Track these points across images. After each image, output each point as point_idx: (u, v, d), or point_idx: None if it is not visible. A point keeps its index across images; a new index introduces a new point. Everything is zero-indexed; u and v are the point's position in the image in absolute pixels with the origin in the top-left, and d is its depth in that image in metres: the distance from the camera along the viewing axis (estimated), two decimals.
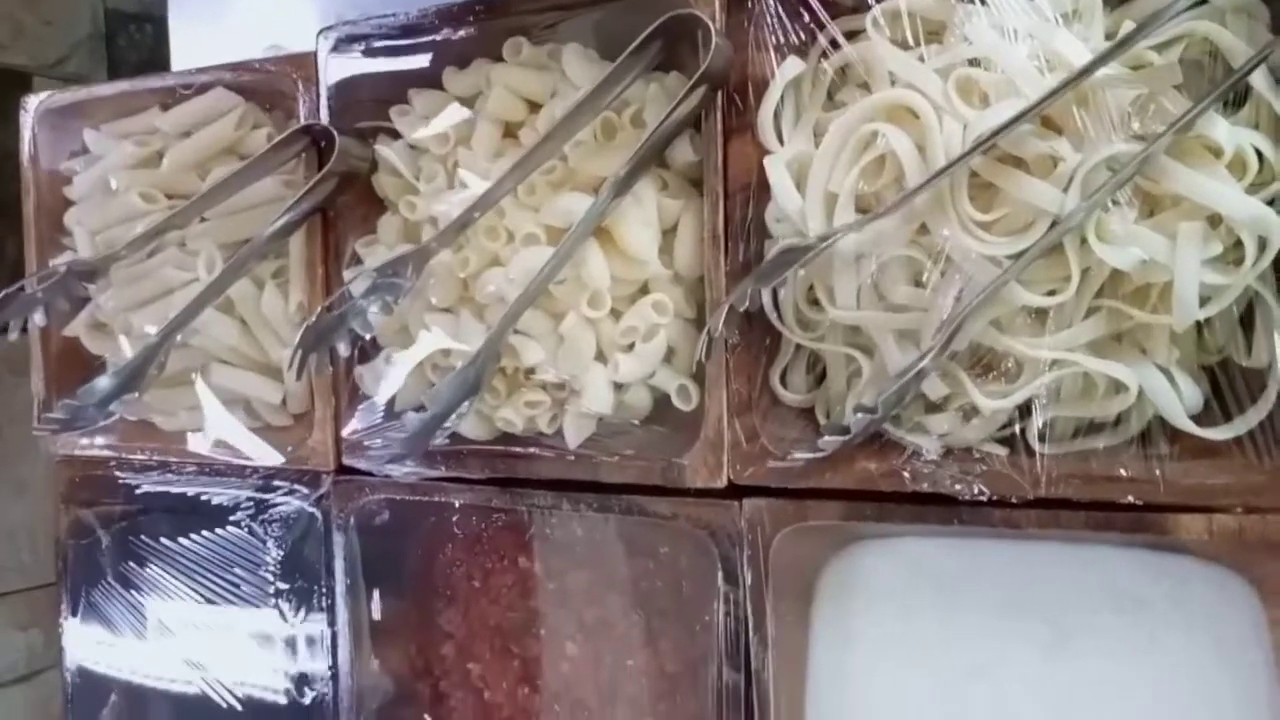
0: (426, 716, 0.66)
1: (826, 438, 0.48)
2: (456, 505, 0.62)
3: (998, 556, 0.51)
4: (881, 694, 0.53)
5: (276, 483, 0.66)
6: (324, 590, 0.65)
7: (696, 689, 0.58)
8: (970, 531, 0.51)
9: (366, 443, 0.63)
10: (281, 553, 0.67)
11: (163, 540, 0.72)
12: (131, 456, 0.71)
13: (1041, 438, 0.48)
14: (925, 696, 0.52)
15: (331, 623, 0.64)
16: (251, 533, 0.68)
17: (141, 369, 0.62)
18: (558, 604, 0.62)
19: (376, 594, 0.65)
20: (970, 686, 0.52)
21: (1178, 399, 0.46)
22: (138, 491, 0.72)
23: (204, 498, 0.70)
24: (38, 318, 0.66)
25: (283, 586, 0.67)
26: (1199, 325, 0.46)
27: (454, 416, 0.54)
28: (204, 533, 0.70)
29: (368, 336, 0.59)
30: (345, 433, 0.63)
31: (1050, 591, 0.50)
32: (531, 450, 0.58)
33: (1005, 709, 0.51)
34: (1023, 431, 0.49)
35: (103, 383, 0.62)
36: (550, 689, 0.62)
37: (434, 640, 0.66)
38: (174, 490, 0.71)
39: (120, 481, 0.72)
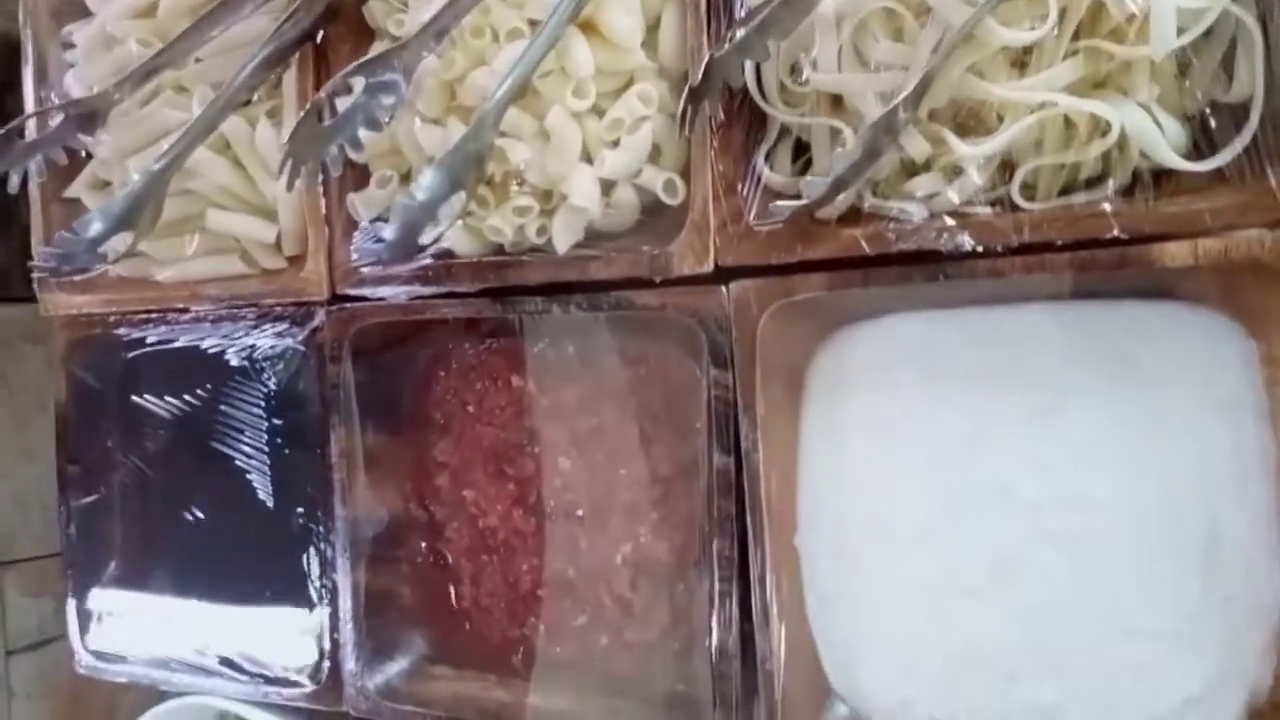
0: (422, 544, 0.66)
1: (810, 178, 0.47)
2: (449, 322, 0.62)
3: (985, 327, 0.51)
4: (872, 471, 0.53)
5: (271, 319, 0.66)
6: (318, 424, 0.65)
7: (690, 491, 0.57)
8: (956, 300, 0.51)
9: (361, 269, 0.63)
10: (277, 388, 0.67)
11: (163, 396, 0.72)
12: (128, 310, 0.71)
13: (1025, 192, 0.48)
14: (916, 471, 0.52)
15: (325, 454, 0.64)
16: (248, 373, 0.68)
17: (136, 206, 0.62)
18: (551, 420, 0.62)
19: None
20: (962, 458, 0.51)
21: (1160, 135, 0.45)
22: (135, 350, 0.73)
23: (202, 346, 0.70)
24: (35, 168, 0.67)
25: (277, 423, 0.67)
26: (1180, 68, 0.46)
27: (444, 217, 0.54)
28: (202, 380, 0.70)
29: (360, 154, 0.60)
30: (338, 261, 0.63)
31: (1039, 357, 0.50)
32: (522, 258, 0.58)
33: (998, 478, 0.50)
34: (1007, 195, 0.48)
35: (97, 220, 0.63)
36: (544, 507, 0.62)
37: (428, 472, 0.66)
38: (170, 342, 0.71)
39: (118, 338, 0.72)
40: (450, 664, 0.65)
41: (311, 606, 0.65)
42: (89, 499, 0.76)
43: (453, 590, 0.65)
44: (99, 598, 0.75)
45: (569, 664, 0.62)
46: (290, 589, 0.66)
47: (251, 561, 0.69)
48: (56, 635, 0.84)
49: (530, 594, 0.62)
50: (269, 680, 0.67)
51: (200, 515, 0.71)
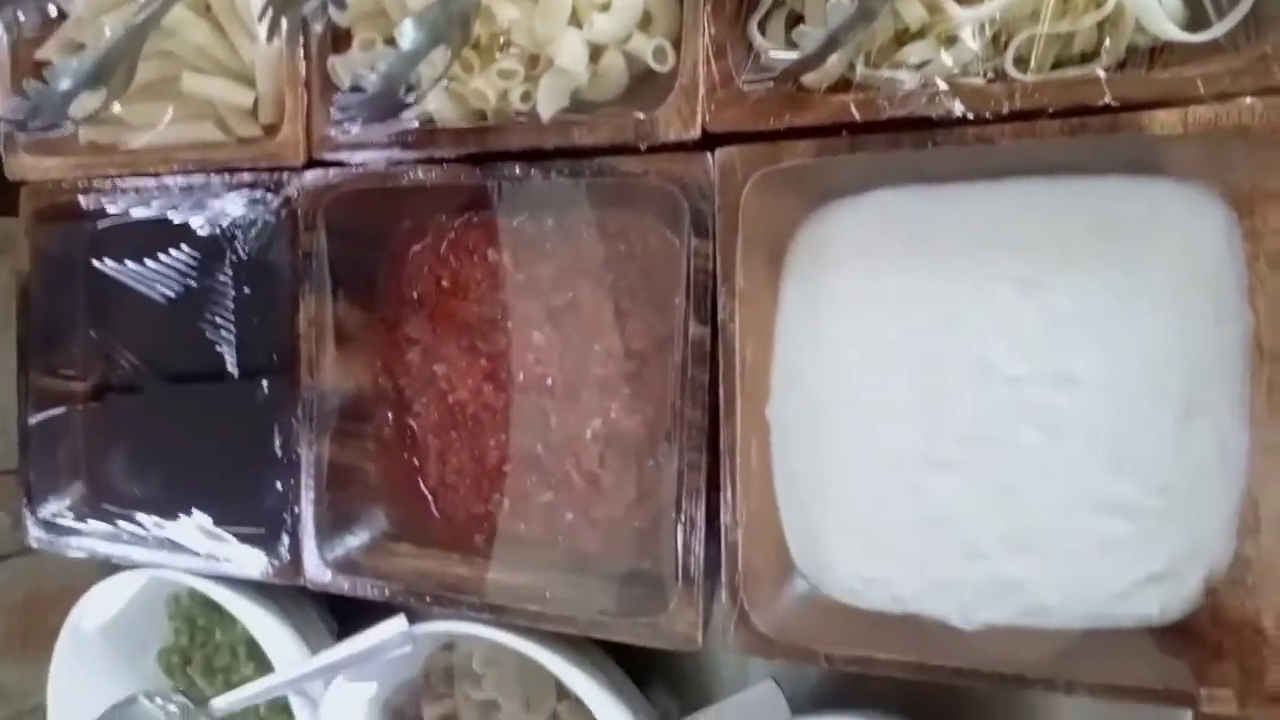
0: (389, 420, 0.65)
1: (803, 28, 0.46)
2: (426, 195, 0.61)
3: (972, 201, 0.51)
4: (850, 345, 0.53)
5: (245, 186, 0.65)
6: (288, 295, 0.63)
7: (663, 366, 0.57)
8: (943, 175, 0.51)
9: (338, 138, 0.62)
10: (248, 258, 0.66)
11: (130, 265, 0.71)
12: (96, 175, 0.70)
13: (1019, 66, 0.47)
14: (895, 345, 0.52)
15: (294, 324, 0.63)
16: (219, 242, 0.67)
17: (110, 62, 0.60)
18: (525, 295, 0.61)
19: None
20: (943, 333, 0.51)
21: (1158, 4, 0.45)
22: (102, 220, 0.71)
23: (172, 215, 0.68)
24: (2, 25, 0.65)
25: (246, 293, 0.66)
26: None
27: (427, 77, 0.53)
28: (170, 250, 0.69)
29: (342, 12, 0.58)
30: (316, 127, 0.62)
31: (1025, 231, 0.50)
32: (504, 124, 0.57)
33: (979, 353, 0.50)
34: (1001, 65, 0.48)
35: (68, 75, 0.61)
36: (515, 382, 0.61)
37: (399, 347, 0.65)
38: (140, 211, 0.69)
39: (85, 206, 0.71)
40: (412, 541, 0.64)
41: (273, 479, 0.64)
42: (50, 373, 0.74)
43: (418, 467, 0.64)
44: (55, 470, 0.73)
45: (533, 541, 0.61)
46: (252, 461, 0.65)
47: (214, 433, 0.68)
48: (12, 551, 0.81)
49: (496, 470, 0.62)
50: (226, 556, 0.66)
51: (164, 386, 0.70)
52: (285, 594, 0.70)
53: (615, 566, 0.59)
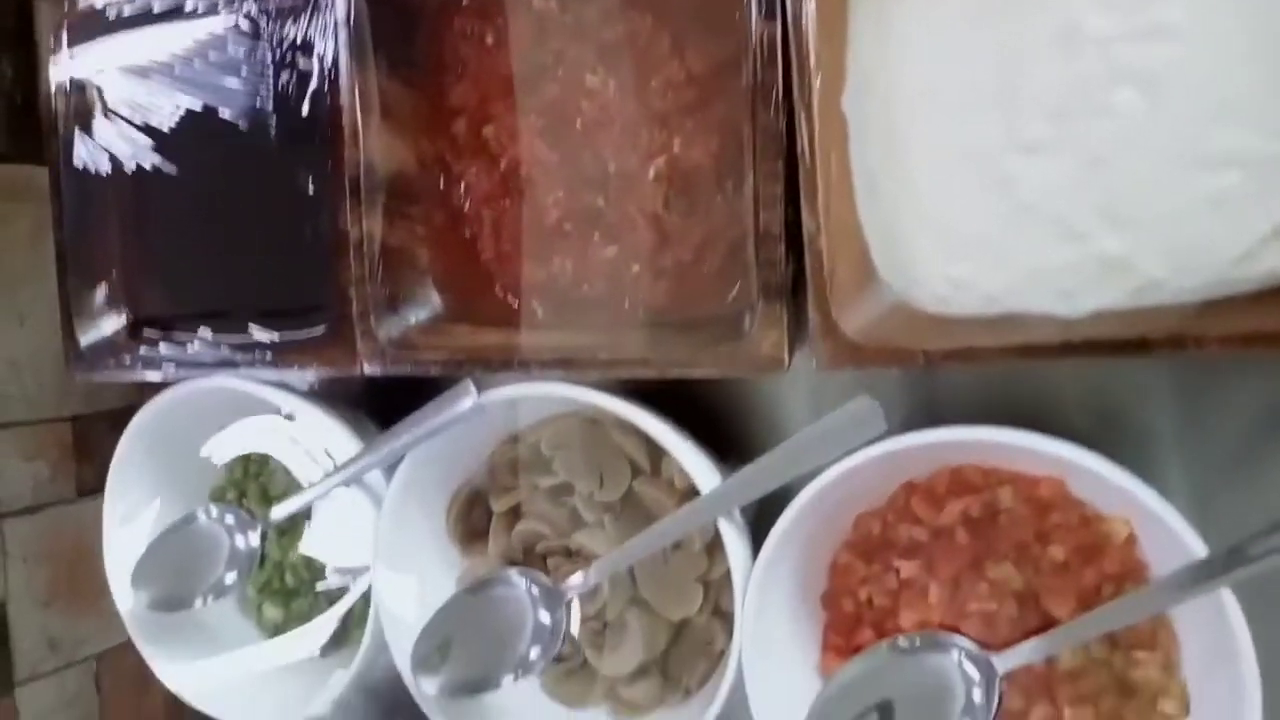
0: (440, 199, 0.62)
1: None
2: None
3: None
4: (926, 32, 0.49)
5: None
6: (329, 72, 0.60)
7: (727, 89, 0.54)
8: None
9: None
10: (284, 43, 0.63)
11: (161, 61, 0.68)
12: None
13: None
14: (972, 26, 0.48)
15: (335, 98, 0.60)
16: (254, 29, 0.64)
17: None
18: (575, 37, 0.58)
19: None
20: (1022, 5, 0.47)
21: None
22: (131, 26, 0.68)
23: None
24: None
25: (285, 78, 0.63)
26: None
27: None
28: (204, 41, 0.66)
29: None
30: None
31: None
32: None
33: (1064, 18, 0.46)
34: None
35: None
36: (570, 132, 0.58)
37: (444, 121, 0.62)
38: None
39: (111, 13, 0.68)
40: (471, 322, 0.62)
41: (322, 263, 0.61)
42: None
43: (472, 241, 0.61)
44: (94, 296, 0.71)
45: (599, 303, 0.59)
46: (299, 249, 0.63)
47: (257, 226, 0.65)
48: (53, 500, 0.80)
49: (555, 232, 0.59)
50: (279, 359, 0.63)
51: (204, 183, 0.67)
52: (341, 402, 0.67)
53: (687, 314, 0.56)
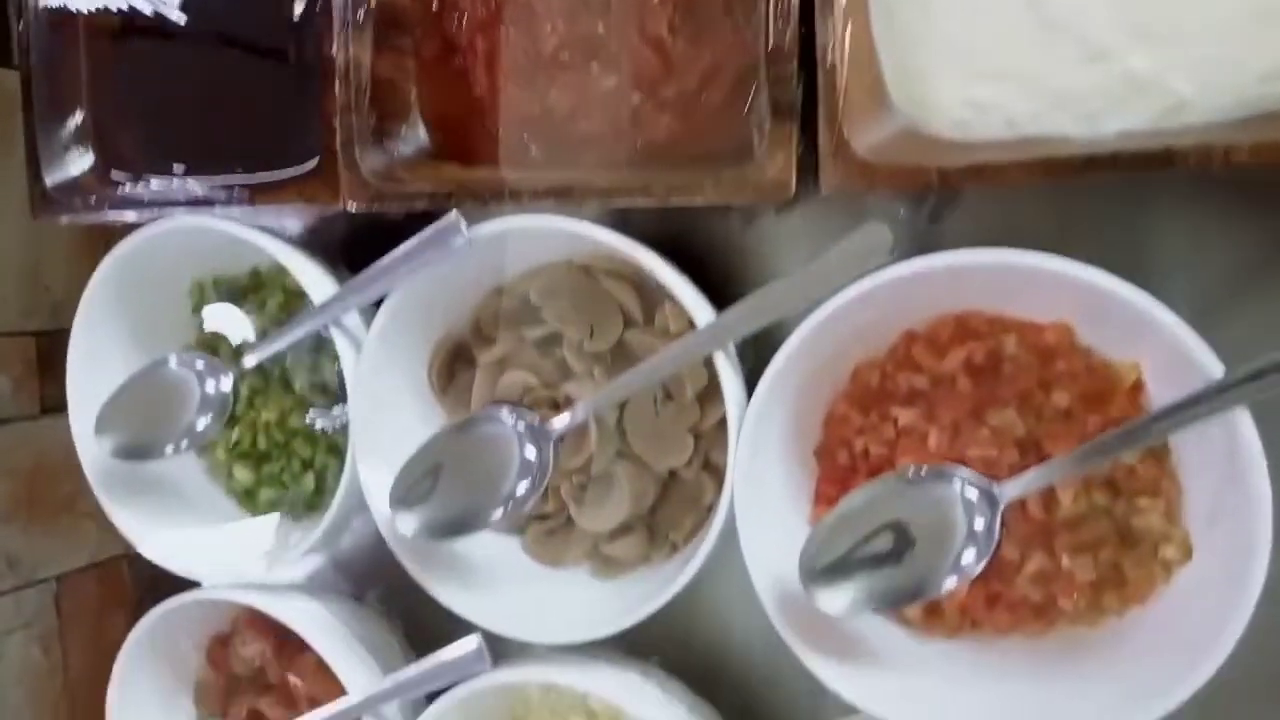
0: (432, 28, 0.59)
1: None
2: None
3: None
4: None
5: None
6: None
7: None
8: None
9: None
10: None
11: None
12: None
13: None
14: None
15: None
16: None
17: None
18: None
19: None
20: None
21: None
22: None
23: None
24: None
25: None
26: None
27: None
28: None
29: None
30: None
31: None
32: None
33: None
34: None
35: None
36: None
37: None
38: None
39: None
40: (460, 160, 0.59)
41: (305, 91, 0.58)
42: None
43: (465, 73, 0.59)
44: (64, 119, 0.67)
45: (596, 139, 0.56)
46: (283, 77, 0.60)
47: (237, 55, 0.62)
48: (14, 415, 0.76)
49: (553, 62, 0.56)
50: (256, 185, 0.60)
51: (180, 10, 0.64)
52: (320, 257, 0.65)
53: (689, 151, 0.54)
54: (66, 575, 0.80)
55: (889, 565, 0.47)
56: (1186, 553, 0.49)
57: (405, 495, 0.55)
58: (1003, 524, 0.47)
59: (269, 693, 0.71)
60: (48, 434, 0.76)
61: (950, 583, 0.46)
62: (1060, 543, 0.51)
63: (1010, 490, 0.47)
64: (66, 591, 0.80)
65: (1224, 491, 0.47)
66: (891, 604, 0.47)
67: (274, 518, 0.71)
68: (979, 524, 0.46)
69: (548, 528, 0.63)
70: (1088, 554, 0.51)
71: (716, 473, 0.58)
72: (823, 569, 0.47)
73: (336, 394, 0.67)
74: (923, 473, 0.48)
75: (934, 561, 0.46)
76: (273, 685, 0.71)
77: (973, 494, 0.46)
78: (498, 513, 0.53)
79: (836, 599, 0.47)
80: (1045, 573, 0.51)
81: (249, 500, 0.72)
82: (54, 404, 0.77)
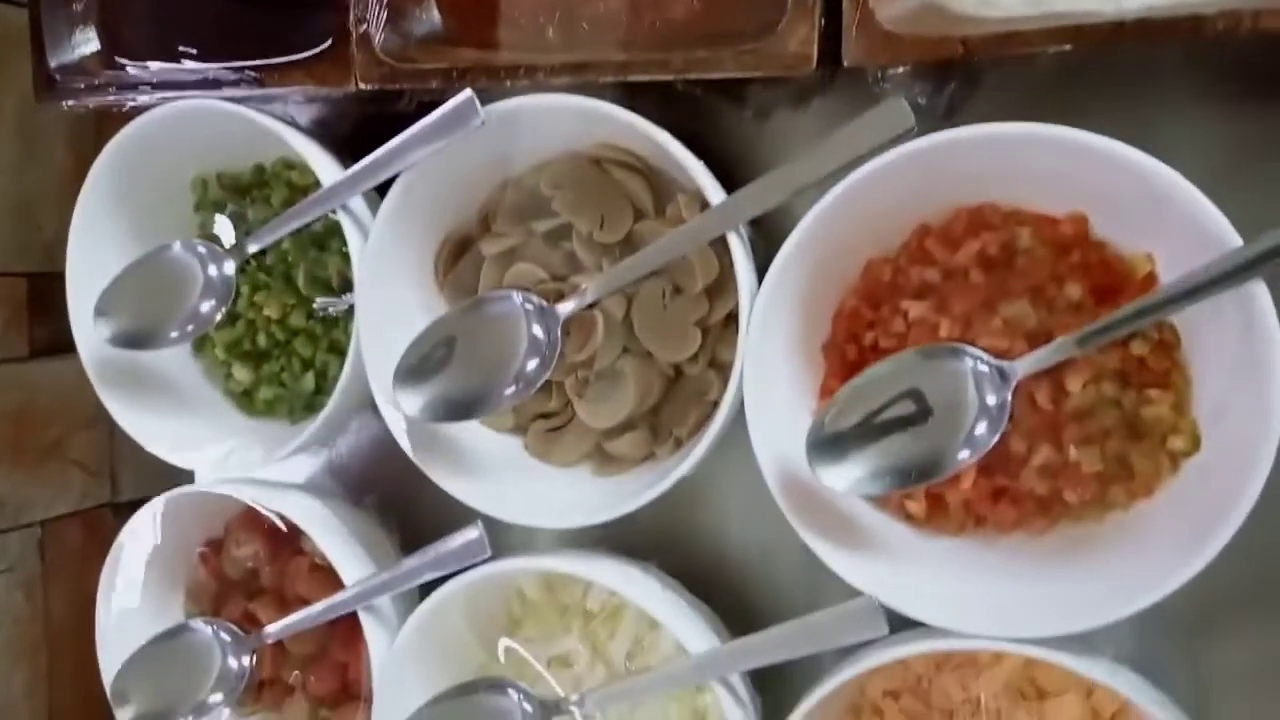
0: None
1: None
2: None
3: None
4: None
5: None
6: None
7: None
8: None
9: None
10: None
11: None
12: None
13: None
14: None
15: None
16: None
17: None
18: None
19: None
20: None
21: None
22: None
23: None
24: None
25: None
26: None
27: None
28: None
29: None
30: None
31: None
32: None
33: None
34: None
35: None
36: None
37: None
38: None
39: None
40: (474, 43, 0.58)
41: None
42: None
43: None
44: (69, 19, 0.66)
45: (614, 19, 0.56)
46: None
47: None
48: (3, 357, 0.75)
49: None
50: (266, 67, 0.59)
51: None
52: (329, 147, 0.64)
53: (710, 30, 0.53)
54: (51, 521, 0.79)
55: (901, 438, 0.46)
56: (1195, 443, 0.49)
57: (409, 372, 0.54)
58: (1013, 406, 0.46)
59: (261, 596, 0.70)
60: (37, 376, 0.76)
61: (964, 456, 0.45)
62: (1068, 434, 0.50)
63: (1023, 367, 0.46)
64: (50, 537, 0.79)
65: (1235, 381, 0.47)
66: (902, 480, 0.47)
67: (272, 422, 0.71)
68: (991, 398, 0.46)
69: (550, 425, 0.62)
70: (1095, 445, 0.50)
71: (723, 370, 0.57)
72: (831, 440, 0.47)
73: (340, 292, 0.66)
74: (938, 350, 0.47)
75: (948, 434, 0.45)
76: (265, 589, 0.71)
77: (985, 369, 0.46)
78: (508, 391, 0.53)
79: (843, 474, 0.47)
80: (1052, 465, 0.51)
81: (247, 401, 0.71)
82: (43, 346, 0.77)
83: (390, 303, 0.60)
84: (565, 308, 0.54)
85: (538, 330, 0.53)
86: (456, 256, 0.62)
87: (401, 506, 0.71)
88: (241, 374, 0.70)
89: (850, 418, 0.47)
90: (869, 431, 0.46)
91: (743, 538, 0.63)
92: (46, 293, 0.74)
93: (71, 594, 0.76)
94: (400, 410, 0.55)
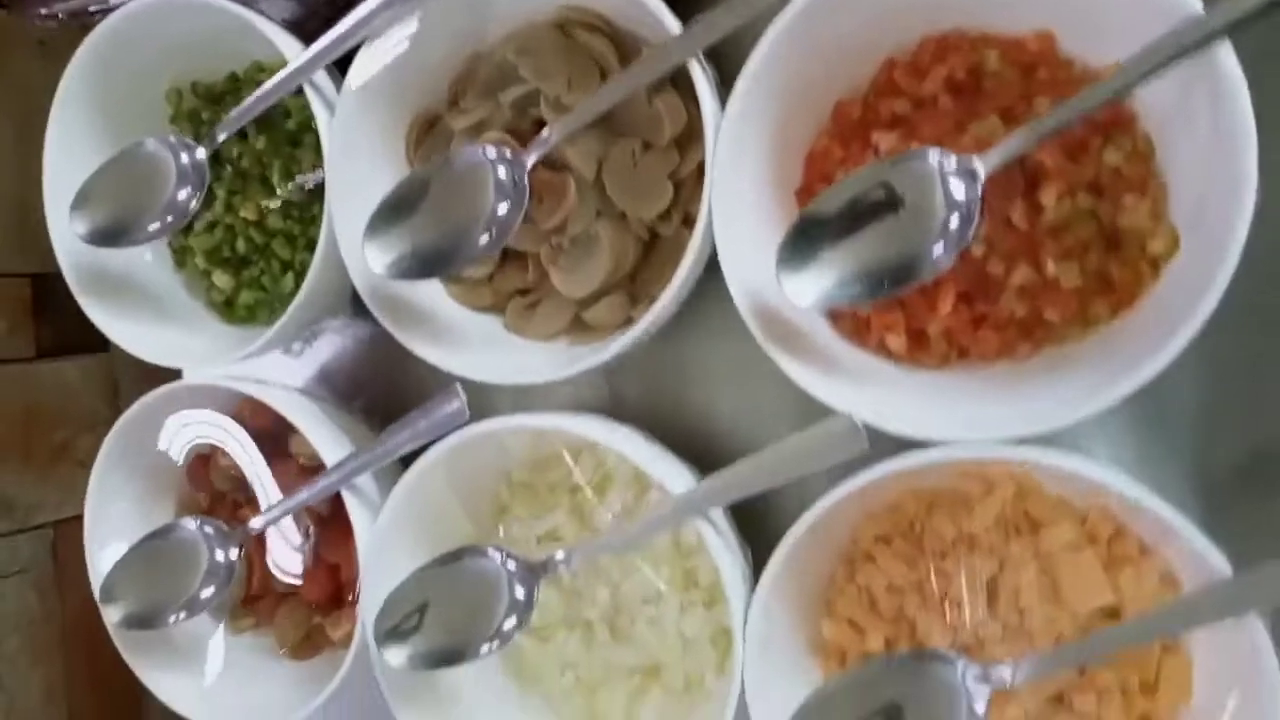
0: None
1: None
2: None
3: None
4: None
5: None
6: None
7: None
8: None
9: None
10: None
11: None
12: None
13: None
14: None
15: None
16: None
17: None
18: None
19: None
20: None
21: None
22: None
23: None
24: None
25: None
26: None
27: None
28: None
29: None
30: None
31: None
32: None
33: None
34: None
35: None
36: None
37: None
38: None
39: None
40: None
41: None
42: None
43: None
44: None
45: None
46: None
47: None
48: (8, 357, 0.76)
49: None
50: None
51: None
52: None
53: None
54: (63, 522, 0.79)
55: (872, 239, 0.45)
56: (1174, 244, 0.48)
57: (379, 228, 0.54)
58: (984, 202, 0.46)
59: (251, 504, 0.70)
60: (43, 378, 0.76)
61: (939, 253, 0.44)
62: (1046, 251, 0.50)
63: (989, 160, 0.45)
64: (63, 539, 0.79)
65: (1210, 170, 0.46)
66: (876, 286, 0.46)
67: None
68: (960, 194, 0.45)
69: (528, 301, 0.62)
70: (1074, 260, 0.50)
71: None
72: (801, 244, 0.46)
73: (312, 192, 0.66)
74: (905, 155, 0.46)
75: (920, 230, 0.45)
76: (253, 498, 0.70)
77: (951, 164, 0.45)
78: (483, 240, 0.52)
79: (812, 285, 0.46)
80: (1031, 285, 0.50)
81: (228, 310, 0.71)
82: (49, 347, 0.77)
83: (361, 177, 0.59)
84: (532, 153, 0.54)
85: (504, 174, 0.53)
86: (425, 133, 0.62)
87: (388, 411, 0.70)
88: (222, 280, 0.69)
89: (821, 215, 0.46)
90: (839, 231, 0.45)
91: (733, 412, 0.62)
92: (51, 293, 0.75)
93: (85, 595, 0.75)
94: (371, 268, 0.54)
